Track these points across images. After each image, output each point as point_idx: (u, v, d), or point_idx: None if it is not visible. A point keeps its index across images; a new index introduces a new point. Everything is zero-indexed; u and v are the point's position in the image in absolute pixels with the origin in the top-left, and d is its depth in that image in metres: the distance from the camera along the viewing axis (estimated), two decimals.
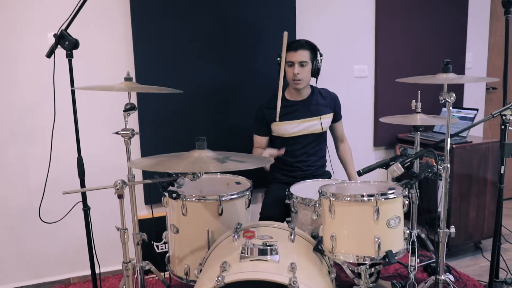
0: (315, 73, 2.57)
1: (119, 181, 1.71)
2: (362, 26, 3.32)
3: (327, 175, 2.73)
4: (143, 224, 2.82)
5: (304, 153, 2.66)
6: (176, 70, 2.82)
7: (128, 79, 2.02)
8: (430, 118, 2.35)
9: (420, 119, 2.34)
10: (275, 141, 2.72)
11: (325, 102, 2.67)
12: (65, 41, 2.02)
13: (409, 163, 1.91)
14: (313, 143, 2.68)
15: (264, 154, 2.52)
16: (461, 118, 3.18)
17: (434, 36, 3.50)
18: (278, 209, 2.42)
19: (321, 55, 2.55)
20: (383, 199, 1.75)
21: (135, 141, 2.80)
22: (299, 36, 3.06)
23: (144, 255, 2.81)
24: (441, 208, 1.96)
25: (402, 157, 2.18)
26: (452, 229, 2.00)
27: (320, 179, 2.52)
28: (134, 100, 2.73)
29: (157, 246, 2.96)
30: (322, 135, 2.70)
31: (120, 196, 1.75)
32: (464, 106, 3.69)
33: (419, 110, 2.38)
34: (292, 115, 2.62)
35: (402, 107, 3.42)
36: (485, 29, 3.82)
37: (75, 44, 2.05)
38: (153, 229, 2.71)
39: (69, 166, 2.31)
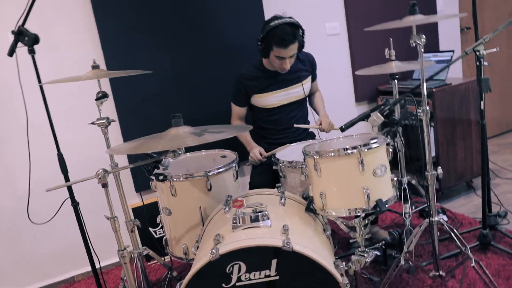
0: (300, 50, 2.50)
1: (100, 170, 1.69)
2: None
3: (311, 137, 2.73)
4: (137, 212, 2.82)
5: (289, 119, 2.65)
6: (146, 52, 2.77)
7: (95, 67, 1.98)
8: (405, 64, 2.33)
9: (395, 66, 2.32)
10: (258, 112, 2.70)
11: (304, 66, 2.64)
12: (24, 37, 1.97)
13: (388, 111, 1.91)
14: (297, 109, 2.67)
15: (253, 153, 2.54)
16: (438, 61, 3.18)
17: None
18: (267, 177, 2.42)
19: (303, 32, 2.46)
20: (366, 150, 1.75)
21: (116, 129, 2.77)
22: (267, 3, 3.00)
23: (144, 242, 2.85)
24: (426, 151, 1.96)
25: (379, 106, 2.18)
26: (439, 170, 2.01)
27: (309, 141, 2.51)
28: (107, 88, 2.69)
29: (155, 232, 2.96)
30: (305, 99, 2.68)
31: (104, 185, 1.73)
32: (441, 49, 3.68)
33: (393, 57, 2.36)
34: (273, 85, 2.60)
35: (379, 58, 3.41)
36: None
37: (35, 39, 1.99)
38: (145, 215, 2.71)
39: (51, 164, 2.28)
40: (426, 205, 2.66)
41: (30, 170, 2.18)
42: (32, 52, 2.01)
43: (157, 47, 2.80)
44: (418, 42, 1.86)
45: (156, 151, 1.55)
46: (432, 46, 3.61)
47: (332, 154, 1.77)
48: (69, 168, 2.15)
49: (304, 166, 2.13)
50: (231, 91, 2.68)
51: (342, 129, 2.21)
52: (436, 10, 3.64)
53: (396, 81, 2.40)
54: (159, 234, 2.95)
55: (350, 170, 1.77)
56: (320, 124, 2.54)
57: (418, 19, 1.87)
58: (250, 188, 2.44)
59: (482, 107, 2.22)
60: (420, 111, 1.93)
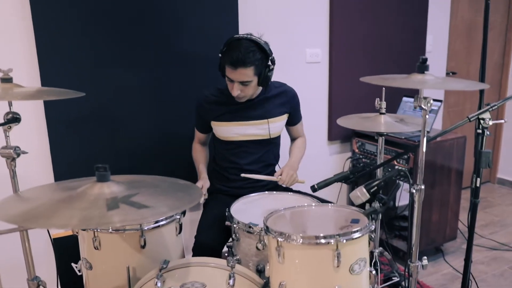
0: (264, 83, 2.07)
1: None
2: (315, 5, 2.87)
3: (275, 184, 2.32)
4: (61, 243, 2.33)
5: (247, 160, 2.22)
6: (91, 67, 2.29)
7: (5, 80, 1.49)
8: (398, 124, 1.95)
9: (385, 123, 1.95)
10: (216, 143, 2.29)
11: (280, 102, 2.21)
12: None
13: (376, 188, 1.53)
14: (260, 149, 2.24)
15: (198, 184, 2.09)
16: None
17: (394, 17, 3.13)
18: (216, 233, 1.99)
19: (273, 62, 2.04)
20: (344, 241, 1.37)
21: (47, 157, 2.27)
22: (242, 16, 2.57)
23: (63, 279, 2.37)
24: (414, 238, 1.61)
25: (362, 168, 1.82)
26: (425, 261, 1.67)
27: (266, 193, 2.10)
28: (40, 106, 2.18)
29: (79, 270, 2.46)
30: (273, 140, 2.25)
31: None
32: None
33: (384, 110, 1.99)
34: (235, 114, 2.16)
35: (360, 97, 3.09)
36: (446, 10, 3.49)
37: None
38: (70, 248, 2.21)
39: None
40: (396, 280, 2.31)
41: None
42: None
43: (106, 64, 2.31)
44: (423, 107, 1.49)
45: (57, 228, 1.09)
46: (416, 91, 3.28)
47: (301, 241, 1.38)
48: None
49: (263, 233, 1.72)
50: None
51: (314, 189, 1.85)
52: (425, 50, 3.34)
53: (383, 138, 2.03)
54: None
55: (322, 264, 1.38)
56: (280, 175, 2.11)
57: (429, 81, 1.49)
58: (195, 245, 2.00)
59: (478, 184, 1.89)
60: (414, 190, 1.56)
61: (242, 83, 2.01)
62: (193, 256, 1.99)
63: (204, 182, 2.11)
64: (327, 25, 2.93)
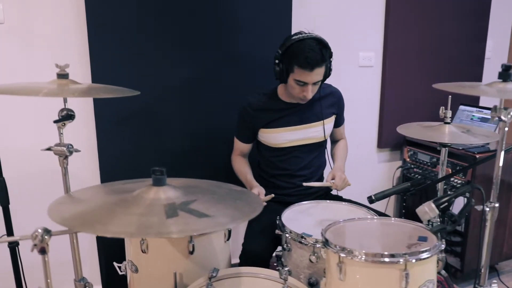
0: (325, 80, 2.00)
1: (39, 230, 1.17)
2: (369, 7, 2.75)
3: (326, 191, 2.22)
4: (103, 242, 2.31)
5: (298, 165, 2.12)
6: (140, 65, 2.24)
7: (62, 76, 1.46)
8: (464, 135, 1.80)
9: (450, 133, 1.81)
10: (263, 152, 2.17)
11: (329, 103, 2.12)
12: None
13: (446, 204, 1.41)
14: (312, 153, 2.14)
15: (254, 191, 1.99)
16: (482, 119, 2.70)
17: (451, 20, 2.96)
18: (265, 241, 1.90)
19: (331, 56, 1.95)
20: (414, 261, 1.26)
21: (93, 155, 2.24)
22: (296, 18, 2.48)
23: (104, 278, 2.35)
24: (483, 262, 1.48)
25: (423, 181, 1.70)
26: (494, 286, 1.53)
27: (317, 201, 2.01)
28: (89, 103, 2.15)
29: (119, 268, 2.44)
30: (323, 143, 2.17)
31: (42, 251, 1.21)
32: (483, 103, 3.20)
33: (449, 120, 1.85)
34: (286, 119, 2.06)
35: (412, 102, 2.95)
36: (509, 14, 3.29)
37: None
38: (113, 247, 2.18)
39: None
40: None
41: None
42: None
43: (156, 59, 2.27)
44: (503, 118, 1.36)
45: (115, 235, 1.03)
46: (474, 99, 3.11)
47: (366, 258, 1.27)
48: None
49: (317, 245, 1.63)
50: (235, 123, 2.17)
51: (371, 200, 1.74)
52: (484, 56, 3.15)
53: (446, 150, 1.89)
54: (123, 271, 2.43)
55: (387, 284, 1.28)
56: (333, 179, 2.00)
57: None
58: (242, 253, 1.92)
59: None
60: (487, 208, 1.43)
61: (315, 84, 1.92)
62: (240, 264, 1.92)
63: (260, 189, 2.00)
64: (382, 28, 2.80)
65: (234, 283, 1.54)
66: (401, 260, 1.24)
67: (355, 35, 2.74)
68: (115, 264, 2.41)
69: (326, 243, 1.38)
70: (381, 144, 2.98)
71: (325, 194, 2.20)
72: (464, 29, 3.02)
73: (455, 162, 2.52)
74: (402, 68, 2.87)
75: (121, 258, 2.12)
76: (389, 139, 2.98)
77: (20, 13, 1.99)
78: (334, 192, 2.20)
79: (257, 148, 2.22)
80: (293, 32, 2.46)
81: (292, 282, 1.55)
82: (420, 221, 1.50)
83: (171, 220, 1.04)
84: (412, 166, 2.84)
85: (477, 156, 2.43)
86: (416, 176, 2.80)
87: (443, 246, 1.35)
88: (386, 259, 1.26)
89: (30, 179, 2.15)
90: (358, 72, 2.80)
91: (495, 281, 1.56)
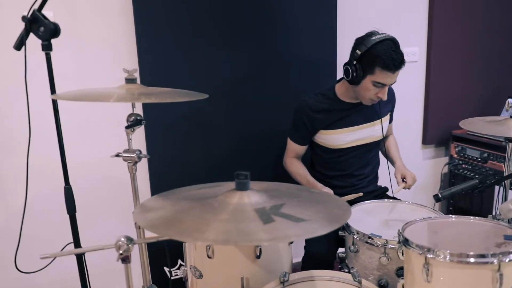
0: None
1: (122, 239, 1.16)
2: (413, 2, 2.71)
3: (383, 191, 2.19)
4: (152, 247, 2.29)
5: (357, 165, 2.09)
6: (188, 66, 2.22)
7: (130, 80, 1.44)
8: None
9: None
10: (320, 153, 2.13)
11: (386, 101, 2.08)
12: (39, 26, 1.43)
13: None
14: (370, 152, 2.11)
15: (325, 190, 1.95)
16: None
17: (494, 13, 2.90)
18: (328, 243, 1.87)
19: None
20: (507, 261, 1.21)
21: (142, 161, 2.22)
22: (341, 11, 2.44)
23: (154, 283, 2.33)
24: None
25: (494, 179, 1.65)
26: None
27: (384, 201, 1.97)
28: (138, 105, 2.14)
29: (170, 272, 2.43)
30: (380, 141, 2.13)
31: (125, 260, 1.20)
32: None
33: None
34: (348, 120, 2.03)
35: (458, 98, 2.89)
36: None
37: (54, 31, 1.45)
38: (166, 253, 2.16)
39: (53, 193, 1.75)
40: None
41: (26, 200, 1.64)
42: (47, 48, 1.46)
43: (204, 59, 2.25)
44: None
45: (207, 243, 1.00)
46: None
47: (456, 259, 1.23)
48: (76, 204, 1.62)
49: (388, 246, 1.59)
50: (290, 125, 2.13)
51: (438, 198, 1.69)
52: None
53: (511, 145, 1.84)
54: (176, 275, 2.42)
55: (479, 286, 1.23)
56: (404, 180, 1.98)
57: None
58: (305, 255, 1.89)
59: None
60: None
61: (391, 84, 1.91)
62: (303, 267, 1.89)
63: (328, 190, 1.96)
64: (426, 22, 2.76)
65: (308, 286, 1.51)
66: (495, 260, 1.20)
67: (399, 31, 2.66)
68: (166, 269, 2.43)
69: (406, 243, 1.34)
70: (426, 141, 2.92)
71: (382, 194, 2.16)
72: (507, 20, 2.95)
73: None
74: (446, 63, 2.82)
75: (165, 262, 2.12)
76: (434, 135, 2.93)
77: (69, 19, 1.99)
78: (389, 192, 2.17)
79: (311, 149, 2.18)
80: (339, 30, 2.45)
81: (366, 284, 1.51)
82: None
83: (268, 226, 1.01)
84: (460, 162, 2.78)
85: None
86: (465, 172, 2.74)
87: None
88: (478, 260, 1.21)
89: (95, 187, 2.16)
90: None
91: None
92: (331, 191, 1.94)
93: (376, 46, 1.81)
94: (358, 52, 1.84)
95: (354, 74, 1.87)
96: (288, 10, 2.35)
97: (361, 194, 1.96)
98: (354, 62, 1.86)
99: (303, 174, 2.09)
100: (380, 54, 1.80)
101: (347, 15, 2.50)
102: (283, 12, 2.34)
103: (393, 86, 2.18)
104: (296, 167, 2.12)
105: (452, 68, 2.84)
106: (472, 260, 1.21)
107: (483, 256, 1.21)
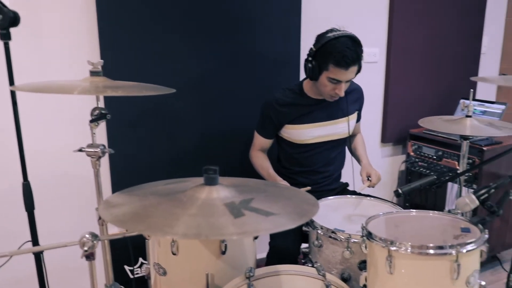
0: (356, 76, 2.00)
1: (87, 235, 1.13)
2: (374, 4, 2.78)
3: (344, 186, 2.24)
4: (112, 245, 2.23)
5: (322, 162, 2.12)
6: (153, 61, 2.19)
7: (95, 73, 1.40)
8: (487, 128, 1.82)
9: (472, 126, 1.84)
10: (285, 148, 2.15)
11: (353, 99, 2.12)
12: None
13: (487, 195, 1.43)
14: (336, 149, 2.15)
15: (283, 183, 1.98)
16: (483, 112, 2.76)
17: (451, 17, 3.03)
18: (292, 238, 1.90)
19: (362, 53, 1.96)
20: (464, 251, 1.27)
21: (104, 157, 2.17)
22: (305, 13, 2.48)
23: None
24: None
25: (450, 175, 1.73)
26: None
27: (347, 197, 2.02)
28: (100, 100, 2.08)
29: (131, 271, 2.38)
30: (346, 139, 2.17)
31: (90, 257, 1.17)
32: (477, 97, 3.29)
33: (471, 113, 1.88)
34: (313, 115, 2.06)
35: (415, 98, 3.00)
36: (502, 10, 3.39)
37: (13, 19, 1.40)
38: (130, 250, 2.11)
39: (10, 189, 1.68)
40: None
41: None
42: (6, 37, 1.41)
43: (169, 55, 2.22)
44: None
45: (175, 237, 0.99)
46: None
47: (416, 251, 1.28)
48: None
49: (352, 240, 1.63)
50: (256, 118, 2.14)
51: (398, 194, 1.75)
52: (480, 52, 3.23)
53: (467, 143, 1.92)
54: (137, 274, 2.37)
55: (439, 276, 1.29)
56: (369, 178, 2.03)
57: None
58: (270, 251, 1.90)
59: None
60: None
61: (347, 82, 1.92)
62: (267, 262, 1.90)
63: (285, 183, 1.98)
64: (386, 25, 2.84)
65: (274, 281, 1.52)
66: (453, 251, 1.25)
67: (361, 31, 2.72)
68: (127, 267, 2.38)
69: (370, 236, 1.38)
70: (385, 139, 3.01)
71: (343, 190, 2.21)
72: (462, 25, 3.09)
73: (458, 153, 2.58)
74: (405, 65, 2.92)
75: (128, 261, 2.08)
76: (392, 134, 3.02)
77: (29, 9, 1.91)
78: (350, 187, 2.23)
79: (277, 144, 2.20)
80: (302, 30, 2.48)
81: (330, 278, 1.54)
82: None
83: (239, 220, 1.02)
84: (417, 160, 2.89)
85: (485, 148, 2.49)
86: (421, 170, 2.85)
87: (487, 236, 1.37)
88: (438, 251, 1.27)
89: (55, 183, 2.08)
90: (363, 67, 2.81)
91: None
92: (288, 184, 1.97)
93: (330, 43, 1.85)
94: (313, 48, 1.90)
95: (311, 70, 1.92)
96: (255, 8, 2.36)
97: (309, 188, 1.98)
98: (310, 59, 1.91)
99: (265, 167, 2.12)
100: (332, 51, 1.84)
101: (311, 14, 2.54)
102: (249, 10, 2.35)
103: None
104: (260, 160, 2.15)
105: (410, 70, 2.95)
106: (431, 251, 1.27)
107: (442, 247, 1.27)
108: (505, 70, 3.56)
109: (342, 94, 1.93)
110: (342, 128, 2.10)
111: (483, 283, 1.42)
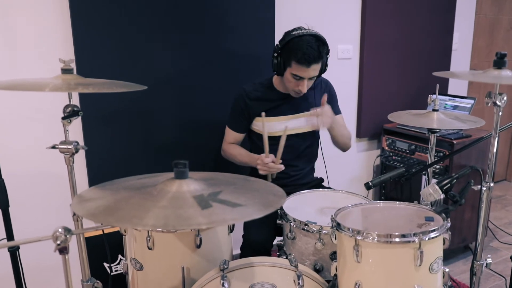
0: (320, 75, 2.06)
1: (60, 230, 1.15)
2: (347, 1, 2.84)
3: (319, 181, 2.28)
4: (91, 243, 2.24)
5: (291, 155, 2.15)
6: (127, 58, 2.21)
7: (66, 70, 1.42)
8: (453, 121, 1.89)
9: (439, 120, 1.90)
10: (257, 141, 2.19)
11: (321, 92, 2.18)
12: None
13: (449, 185, 1.50)
14: (305, 142, 2.19)
15: (262, 160, 2.00)
16: (454, 107, 2.85)
17: (423, 13, 3.10)
18: (266, 231, 1.94)
19: (328, 52, 2.01)
20: (427, 239, 1.33)
21: (80, 154, 2.18)
22: (279, 11, 2.52)
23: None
24: (479, 237, 1.58)
25: (419, 167, 1.78)
26: (489, 260, 1.64)
27: (319, 190, 2.07)
28: (75, 97, 2.09)
29: (110, 268, 2.39)
30: (316, 133, 2.22)
31: (63, 251, 1.18)
32: (450, 92, 3.38)
33: (437, 107, 1.95)
34: (281, 109, 2.11)
35: (388, 93, 3.06)
36: (472, 8, 3.48)
37: None
38: (106, 248, 2.12)
39: None
40: None
41: None
42: None
43: (143, 53, 2.24)
44: (498, 103, 1.46)
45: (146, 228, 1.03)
46: (442, 88, 3.28)
47: (382, 239, 1.33)
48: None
49: (323, 232, 1.68)
50: (228, 113, 2.19)
51: (369, 186, 1.80)
52: (451, 48, 3.32)
53: (435, 136, 1.99)
54: (116, 270, 2.39)
55: (402, 263, 1.34)
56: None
57: (506, 76, 1.46)
58: (244, 244, 1.94)
59: None
60: (484, 187, 1.53)
61: (310, 79, 1.96)
62: (241, 255, 1.94)
63: (270, 156, 2.00)
64: (359, 22, 2.89)
65: (247, 273, 1.56)
66: (416, 239, 1.31)
67: (334, 28, 2.82)
68: (106, 264, 2.39)
69: (339, 227, 1.43)
70: (360, 134, 3.08)
71: (317, 184, 2.26)
72: (434, 22, 3.17)
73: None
74: (379, 60, 2.98)
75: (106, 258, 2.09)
76: (367, 129, 3.08)
77: (0, 9, 1.91)
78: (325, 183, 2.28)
79: (249, 138, 2.24)
80: (276, 26, 2.52)
81: (302, 268, 1.58)
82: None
83: (207, 211, 1.05)
84: (391, 154, 2.96)
85: (455, 142, 2.57)
86: (395, 163, 2.92)
87: (449, 225, 1.43)
88: (402, 239, 1.32)
89: (30, 180, 2.08)
90: (337, 64, 2.88)
91: (489, 255, 1.66)
92: (273, 156, 2.01)
93: (294, 40, 1.91)
94: (279, 45, 1.96)
95: (277, 65, 1.98)
96: (229, 6, 2.39)
97: (274, 176, 2.04)
98: (275, 55, 1.97)
99: (244, 152, 2.16)
100: (294, 48, 1.90)
101: (285, 12, 2.58)
102: (223, 8, 2.38)
103: (331, 81, 2.29)
104: (236, 149, 2.20)
105: (384, 65, 3.01)
106: (396, 240, 1.32)
107: (405, 236, 1.32)
108: (475, 66, 3.66)
109: (305, 90, 1.99)
110: (309, 122, 2.13)
111: (446, 269, 1.48)
